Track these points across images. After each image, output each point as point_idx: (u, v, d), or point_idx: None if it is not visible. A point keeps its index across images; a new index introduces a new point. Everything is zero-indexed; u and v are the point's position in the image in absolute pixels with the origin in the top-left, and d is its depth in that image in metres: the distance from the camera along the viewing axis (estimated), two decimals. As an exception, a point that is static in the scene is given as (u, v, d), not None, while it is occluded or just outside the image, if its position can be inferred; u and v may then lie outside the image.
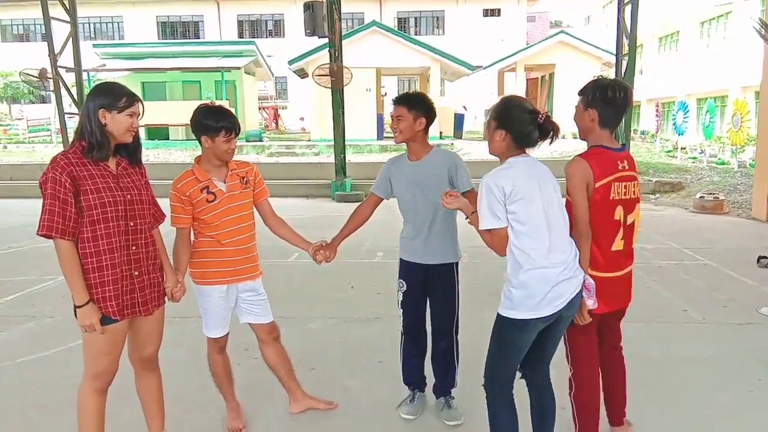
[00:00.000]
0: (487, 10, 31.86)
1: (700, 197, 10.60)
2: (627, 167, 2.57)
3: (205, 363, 3.09)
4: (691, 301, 5.17)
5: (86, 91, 16.93)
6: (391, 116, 3.09)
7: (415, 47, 20.77)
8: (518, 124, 2.36)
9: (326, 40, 12.82)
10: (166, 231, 2.69)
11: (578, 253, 2.45)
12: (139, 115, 2.46)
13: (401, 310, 3.22)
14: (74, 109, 13.54)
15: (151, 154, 18.43)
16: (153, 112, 21.02)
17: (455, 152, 3.35)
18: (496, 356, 2.47)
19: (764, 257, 6.36)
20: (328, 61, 12.56)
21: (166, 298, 2.69)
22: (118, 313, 2.42)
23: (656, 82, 24.24)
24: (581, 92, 2.60)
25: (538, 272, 2.31)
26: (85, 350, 2.46)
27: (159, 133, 21.98)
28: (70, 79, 13.79)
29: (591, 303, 2.47)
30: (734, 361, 3.96)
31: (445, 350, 3.20)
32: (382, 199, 3.27)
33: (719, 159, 15.69)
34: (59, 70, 13.12)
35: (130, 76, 23.06)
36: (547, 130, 2.35)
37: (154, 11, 32.31)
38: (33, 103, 30.57)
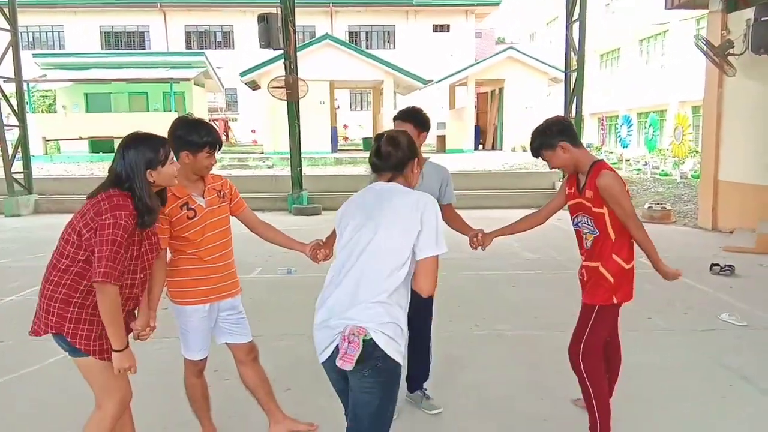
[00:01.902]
0: (436, 25, 32.37)
1: (649, 207, 10.99)
2: None
3: (177, 385, 2.94)
4: (654, 310, 5.30)
5: (26, 100, 16.22)
6: None
7: (368, 60, 20.87)
8: None
9: (279, 52, 12.71)
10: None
11: None
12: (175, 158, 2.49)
13: None
14: (13, 120, 12.89)
15: (95, 167, 17.76)
16: (98, 125, 20.35)
17: (444, 166, 3.42)
18: None
19: (716, 265, 6.62)
20: (282, 74, 12.44)
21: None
22: (99, 354, 2.37)
23: (599, 98, 25.17)
24: (543, 144, 2.84)
25: None
26: (102, 386, 2.38)
27: (103, 145, 21.20)
28: (9, 89, 13.12)
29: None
30: (703, 368, 4.07)
31: (422, 347, 3.37)
32: None
33: (662, 171, 16.35)
34: (-2, 80, 12.52)
35: (72, 87, 22.26)
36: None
37: (97, 21, 31.27)
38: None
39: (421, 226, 2.07)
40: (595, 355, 2.93)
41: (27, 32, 30.78)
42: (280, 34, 12.05)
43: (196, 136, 2.62)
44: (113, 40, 31.97)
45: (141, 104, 22.55)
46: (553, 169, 3.04)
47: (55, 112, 23.69)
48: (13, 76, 12.80)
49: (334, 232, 3.17)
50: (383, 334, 2.00)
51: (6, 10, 12.58)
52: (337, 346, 2.00)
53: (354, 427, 2.12)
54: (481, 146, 24.57)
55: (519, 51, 23.39)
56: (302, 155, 13.01)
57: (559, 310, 5.03)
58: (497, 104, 23.85)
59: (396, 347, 2.04)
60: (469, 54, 31.27)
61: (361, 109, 33.37)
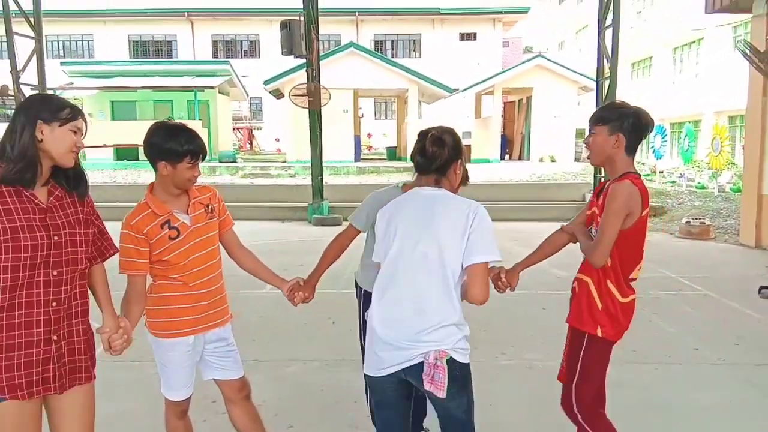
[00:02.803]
0: (463, 34, 31.97)
1: (686, 222, 10.40)
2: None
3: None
4: (700, 338, 4.81)
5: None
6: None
7: (393, 69, 20.56)
8: None
9: (303, 60, 12.47)
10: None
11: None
12: (83, 133, 1.98)
13: None
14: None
15: (119, 175, 17.74)
16: (122, 132, 20.38)
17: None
18: None
19: (766, 288, 6.07)
20: (305, 82, 12.19)
21: (94, 371, 2.10)
22: (10, 390, 1.85)
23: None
24: (604, 118, 2.41)
25: None
26: None
27: (128, 153, 21.25)
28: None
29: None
30: (761, 409, 3.57)
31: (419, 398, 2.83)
32: (359, 233, 2.89)
33: (698, 183, 15.65)
34: (22, 87, 12.50)
35: (98, 95, 22.41)
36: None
37: (126, 30, 31.64)
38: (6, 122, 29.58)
39: (472, 230, 2.07)
40: (595, 403, 2.48)
41: (57, 41, 31.31)
42: (303, 41, 11.83)
43: (175, 144, 2.26)
44: (141, 48, 32.30)
45: (166, 112, 22.55)
46: (587, 159, 2.59)
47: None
48: (37, 84, 12.81)
49: (319, 268, 2.86)
50: (461, 351, 2.08)
51: (31, 19, 12.59)
52: (412, 366, 2.05)
53: (452, 427, 2.17)
54: (507, 156, 24.02)
55: (548, 59, 22.82)
56: (324, 164, 12.72)
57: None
58: (525, 113, 23.30)
59: (468, 353, 2.12)
60: (496, 63, 30.76)
61: (386, 118, 33.08)
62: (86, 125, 2.00)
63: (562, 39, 39.88)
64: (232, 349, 2.58)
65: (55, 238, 1.90)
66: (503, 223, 9.11)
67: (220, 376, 2.56)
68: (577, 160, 21.23)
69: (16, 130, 1.87)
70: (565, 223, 2.69)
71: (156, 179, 2.37)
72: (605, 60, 12.20)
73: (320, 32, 12.27)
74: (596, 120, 2.43)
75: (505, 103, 25.16)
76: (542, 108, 21.46)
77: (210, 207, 2.47)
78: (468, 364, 2.13)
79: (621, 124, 2.37)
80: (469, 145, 23.18)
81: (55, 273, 1.91)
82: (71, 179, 2.00)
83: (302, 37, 11.74)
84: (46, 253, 1.88)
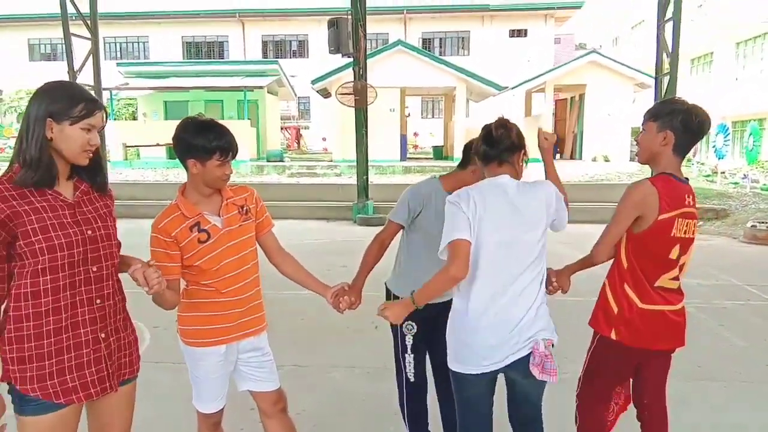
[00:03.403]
0: (513, 30, 31.32)
1: (752, 226, 9.78)
2: (691, 203, 2.29)
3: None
4: (774, 354, 4.43)
5: (108, 107, 16.77)
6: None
7: (440, 67, 20.27)
8: None
9: (350, 59, 12.39)
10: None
11: None
12: (101, 127, 1.86)
13: (412, 355, 2.81)
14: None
15: (170, 173, 18.10)
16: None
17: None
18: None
19: None
20: (352, 80, 12.11)
21: (139, 364, 2.06)
22: (65, 395, 1.79)
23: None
24: (655, 114, 2.29)
25: None
26: None
27: (180, 152, 21.70)
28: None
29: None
30: None
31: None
32: (401, 228, 2.81)
33: (763, 185, 14.78)
34: (79, 87, 12.87)
35: (152, 95, 22.96)
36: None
37: (179, 31, 32.40)
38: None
39: (555, 205, 2.22)
40: (591, 402, 2.44)
41: (115, 42, 32.36)
42: (350, 39, 11.74)
43: (203, 140, 2.13)
44: (194, 49, 33.01)
45: (216, 112, 22.92)
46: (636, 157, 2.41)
47: (136, 119, 24.56)
48: (93, 84, 13.16)
49: (363, 270, 2.76)
50: (553, 334, 2.18)
51: (88, 21, 12.94)
52: (518, 359, 2.10)
53: (530, 413, 2.27)
54: (558, 155, 23.38)
55: (602, 55, 22.09)
56: (370, 163, 12.61)
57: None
58: (577, 111, 22.62)
59: (557, 337, 2.20)
60: (548, 60, 30.00)
61: (433, 117, 32.75)
62: (106, 119, 1.88)
63: (617, 35, 38.64)
64: (267, 360, 2.45)
65: (89, 232, 1.84)
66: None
67: (255, 387, 2.43)
68: (632, 160, 20.43)
69: (29, 128, 1.77)
70: None
71: (187, 179, 2.26)
72: (665, 55, 11.63)
73: (368, 31, 12.17)
74: (647, 116, 2.31)
75: (556, 101, 24.52)
76: (596, 106, 20.77)
77: (245, 208, 2.34)
78: None
79: (671, 121, 2.22)
80: (518, 145, 22.65)
81: (95, 269, 1.85)
82: (89, 171, 1.91)
83: (349, 36, 11.65)
84: (82, 250, 1.81)
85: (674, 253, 2.25)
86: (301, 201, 13.06)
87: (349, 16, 11.68)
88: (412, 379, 2.87)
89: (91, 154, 1.86)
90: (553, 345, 2.15)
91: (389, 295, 2.86)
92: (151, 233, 2.21)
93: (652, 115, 2.28)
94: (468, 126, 21.04)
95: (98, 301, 1.86)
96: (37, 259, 1.73)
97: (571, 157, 22.67)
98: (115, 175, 16.95)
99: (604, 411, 2.46)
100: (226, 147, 2.18)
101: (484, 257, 2.12)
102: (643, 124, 2.32)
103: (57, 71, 12.62)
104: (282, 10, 31.27)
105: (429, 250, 2.68)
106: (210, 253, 2.21)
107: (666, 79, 11.52)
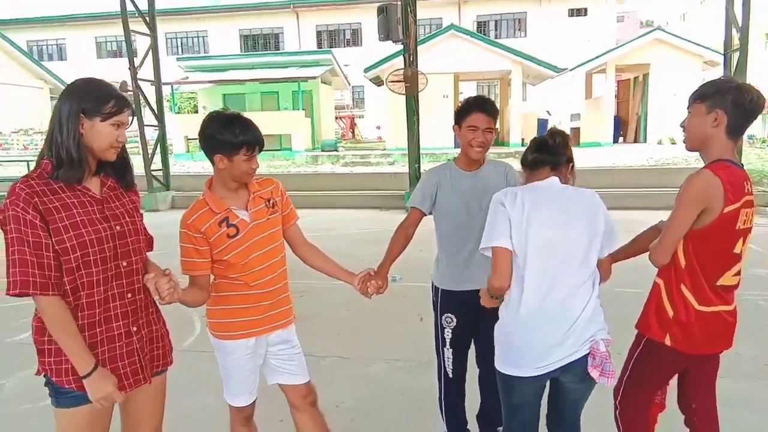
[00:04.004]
0: (572, 10, 30.24)
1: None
2: (750, 189, 2.09)
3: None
4: None
5: (166, 104, 17.31)
6: (475, 128, 2.60)
7: (495, 50, 19.82)
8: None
9: (401, 46, 12.25)
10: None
11: None
12: (128, 125, 1.88)
13: (450, 350, 2.77)
14: (156, 122, 13.74)
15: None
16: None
17: (507, 163, 2.99)
18: None
19: None
20: (403, 67, 11.98)
21: (171, 356, 2.11)
22: None
23: (765, 83, 21.97)
24: (702, 95, 2.08)
25: None
26: None
27: (238, 143, 22.20)
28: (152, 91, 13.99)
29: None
30: None
31: (495, 404, 2.54)
32: (424, 215, 2.78)
33: None
34: (140, 83, 13.32)
35: (211, 89, 23.54)
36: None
37: (236, 25, 33.06)
38: (127, 116, 32.06)
39: (605, 223, 2.10)
40: (636, 409, 2.24)
41: (176, 38, 33.35)
42: (400, 25, 11.58)
43: (230, 135, 2.11)
44: (251, 42, 33.63)
45: (272, 103, 23.31)
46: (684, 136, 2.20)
47: (197, 112, 25.30)
48: (153, 78, 13.59)
49: (388, 257, 2.74)
50: (608, 334, 2.10)
51: (147, 17, 13.34)
52: (574, 361, 2.03)
53: (573, 419, 2.20)
54: (621, 139, 22.48)
55: (667, 32, 21.02)
56: (422, 151, 12.48)
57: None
58: (641, 92, 21.65)
59: None
60: (609, 39, 28.82)
61: (489, 102, 32.17)
62: (133, 117, 1.90)
63: (684, 11, 36.71)
64: (296, 352, 2.43)
65: (117, 228, 1.87)
66: (616, 212, 8.38)
67: (284, 380, 2.41)
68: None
69: (63, 124, 1.79)
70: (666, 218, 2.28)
71: (214, 174, 2.25)
72: (734, 30, 10.90)
73: (421, 17, 12.01)
74: (693, 98, 2.09)
75: (618, 81, 23.58)
76: (661, 86, 19.82)
77: (271, 201, 2.32)
78: None
79: (721, 100, 2.00)
80: (578, 128, 21.97)
81: (125, 264, 1.88)
82: (117, 168, 1.94)
83: (399, 22, 11.49)
84: (112, 245, 1.84)
85: (738, 247, 2.07)
86: (354, 190, 13.10)
87: (399, 2, 11.53)
88: (451, 375, 2.83)
89: (119, 151, 1.89)
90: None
91: (433, 288, 2.84)
92: (180, 229, 2.21)
93: (698, 97, 2.08)
94: (524, 110, 20.54)
95: (129, 295, 1.90)
96: (69, 256, 1.76)
97: (635, 141, 21.79)
98: (177, 167, 17.52)
99: (650, 416, 2.30)
100: (253, 141, 2.15)
101: (533, 254, 2.05)
102: (689, 108, 2.12)
103: (123, 67, 13.13)
104: (335, 0, 31.38)
105: (458, 235, 2.69)
106: (239, 247, 2.21)
107: (736, 56, 10.83)
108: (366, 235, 8.34)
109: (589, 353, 2.02)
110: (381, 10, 11.73)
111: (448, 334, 2.76)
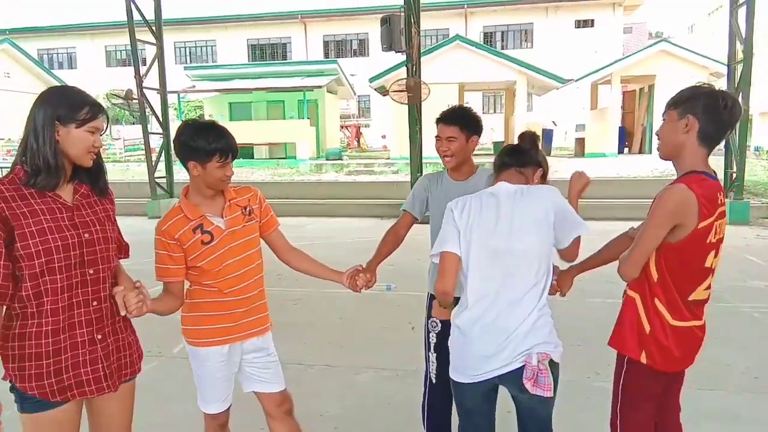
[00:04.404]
0: (579, 21, 30.30)
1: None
2: (722, 200, 2.02)
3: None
4: None
5: (172, 112, 17.44)
6: (438, 138, 2.67)
7: (500, 60, 19.86)
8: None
9: (405, 56, 12.29)
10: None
11: None
12: (103, 131, 1.90)
13: (434, 354, 2.74)
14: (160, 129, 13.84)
15: (235, 173, 18.60)
16: (239, 132, 21.20)
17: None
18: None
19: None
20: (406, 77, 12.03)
21: (141, 365, 2.10)
22: (60, 393, 1.83)
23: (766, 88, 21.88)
24: (675, 101, 2.03)
25: None
26: None
27: (244, 152, 22.31)
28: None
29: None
30: None
31: None
32: (417, 220, 2.84)
33: None
34: (146, 91, 13.43)
35: (218, 97, 23.72)
36: None
37: (245, 34, 33.34)
38: (134, 124, 32.33)
39: (556, 218, 2.04)
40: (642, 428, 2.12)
41: (184, 47, 33.65)
42: (403, 36, 11.64)
43: (203, 142, 2.12)
44: (259, 51, 33.88)
45: (278, 112, 23.44)
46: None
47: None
48: (158, 87, 13.70)
49: (378, 254, 2.78)
50: (556, 348, 2.05)
51: (153, 27, 13.48)
52: (510, 372, 2.01)
53: (536, 428, 2.13)
54: (626, 149, 22.40)
55: (672, 43, 20.98)
56: (425, 160, 12.50)
57: (710, 359, 3.94)
58: (646, 103, 21.58)
59: (560, 351, 2.08)
60: (616, 50, 28.84)
61: (494, 112, 32.14)
62: (108, 123, 1.92)
63: (693, 22, 36.67)
64: (272, 360, 2.42)
65: (86, 236, 1.86)
66: (620, 223, 8.36)
67: (259, 388, 2.40)
68: (706, 153, 19.34)
69: (38, 132, 1.80)
70: (638, 225, 2.22)
71: (190, 181, 2.26)
72: (738, 42, 10.88)
73: (428, 27, 12.10)
74: (667, 106, 2.04)
75: (624, 92, 23.51)
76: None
77: (248, 209, 2.33)
78: (558, 363, 2.09)
79: (692, 105, 1.94)
80: (583, 138, 21.92)
81: (91, 272, 1.87)
82: (91, 174, 1.94)
83: (402, 32, 11.56)
84: (79, 252, 1.83)
85: (709, 261, 2.00)
86: (357, 199, 13.12)
87: (402, 13, 11.59)
88: (434, 380, 2.79)
89: (95, 157, 1.90)
90: (552, 360, 2.02)
91: (427, 294, 2.87)
92: (155, 236, 2.22)
93: (671, 103, 2.03)
94: (529, 120, 20.52)
95: (95, 303, 1.89)
96: (34, 262, 1.76)
97: (640, 151, 21.68)
98: (182, 174, 17.59)
99: None
100: (226, 148, 2.17)
101: (474, 265, 2.06)
102: (663, 115, 2.08)
103: (132, 76, 13.26)
104: (342, 10, 31.62)
105: None
106: (213, 254, 2.21)
107: (740, 68, 10.79)
108: (364, 244, 8.30)
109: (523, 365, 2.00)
110: (384, 21, 11.80)
111: (432, 338, 2.75)
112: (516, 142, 2.40)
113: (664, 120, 2.06)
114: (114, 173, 20.30)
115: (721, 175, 11.99)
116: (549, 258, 2.08)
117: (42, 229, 1.77)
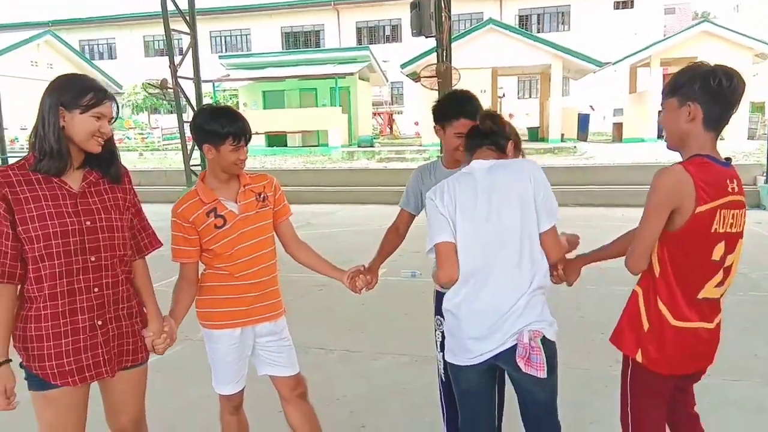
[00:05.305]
0: (618, 2, 29.44)
1: None
2: (736, 189, 1.87)
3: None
4: None
5: (205, 101, 17.70)
6: (459, 134, 2.43)
7: (534, 44, 19.50)
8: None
9: (435, 41, 12.18)
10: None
11: None
12: (111, 118, 1.94)
13: (441, 353, 2.66)
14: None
15: (267, 161, 18.86)
16: (272, 120, 21.68)
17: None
18: None
19: None
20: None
21: (146, 354, 2.15)
22: (61, 377, 1.88)
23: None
24: (672, 88, 1.89)
25: None
26: (38, 424, 1.96)
27: (277, 140, 22.57)
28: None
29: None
30: None
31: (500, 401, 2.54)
32: (415, 215, 2.76)
33: None
34: (180, 80, 13.66)
35: (251, 86, 23.98)
36: None
37: (278, 22, 33.51)
38: (171, 113, 32.97)
39: (536, 194, 2.01)
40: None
41: (220, 36, 34.05)
42: (433, 20, 11.53)
43: (216, 125, 2.19)
44: (293, 39, 34.03)
45: (311, 100, 23.57)
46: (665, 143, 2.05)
47: (238, 109, 25.83)
48: (193, 76, 13.92)
49: (380, 254, 2.76)
50: (551, 326, 2.02)
51: (187, 17, 13.68)
52: (503, 351, 1.99)
53: (536, 412, 2.10)
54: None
55: (715, 24, 20.24)
56: (455, 147, 12.41)
57: (739, 348, 3.85)
58: (687, 86, 20.91)
59: (555, 328, 2.05)
60: (657, 32, 27.93)
61: (530, 97, 31.61)
62: (117, 109, 1.96)
63: (738, 2, 35.21)
64: (286, 345, 2.46)
65: (88, 223, 1.90)
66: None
67: (273, 372, 2.45)
68: (751, 137, 18.67)
69: (45, 118, 1.86)
70: None
71: (206, 166, 2.34)
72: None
73: (461, 10, 11.99)
74: (664, 93, 1.92)
75: (664, 75, 22.80)
76: None
77: (262, 195, 2.37)
78: (554, 342, 2.04)
79: (690, 90, 1.81)
80: (621, 123, 21.40)
81: (93, 259, 1.91)
82: (103, 161, 1.98)
83: (432, 17, 11.45)
84: (79, 239, 1.87)
85: (717, 254, 1.85)
86: (388, 186, 13.11)
87: (433, -3, 11.47)
88: (444, 379, 2.74)
89: (102, 142, 1.93)
90: (546, 338, 1.98)
91: (435, 292, 2.78)
92: (171, 218, 2.29)
93: (669, 90, 1.89)
94: (565, 105, 20.13)
95: (96, 289, 1.92)
96: (33, 246, 1.82)
97: (681, 136, 21.05)
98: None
99: None
100: (239, 132, 2.22)
101: (461, 247, 2.05)
102: (662, 104, 1.93)
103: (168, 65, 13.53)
104: (375, -4, 31.45)
105: None
106: (225, 238, 2.27)
107: (785, 47, 10.35)
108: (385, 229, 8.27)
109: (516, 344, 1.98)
110: (414, 5, 11.69)
111: (438, 336, 2.71)
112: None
113: (663, 109, 1.93)
114: (152, 161, 20.82)
115: (764, 159, 11.53)
116: (536, 238, 2.02)
117: (42, 214, 1.82)
